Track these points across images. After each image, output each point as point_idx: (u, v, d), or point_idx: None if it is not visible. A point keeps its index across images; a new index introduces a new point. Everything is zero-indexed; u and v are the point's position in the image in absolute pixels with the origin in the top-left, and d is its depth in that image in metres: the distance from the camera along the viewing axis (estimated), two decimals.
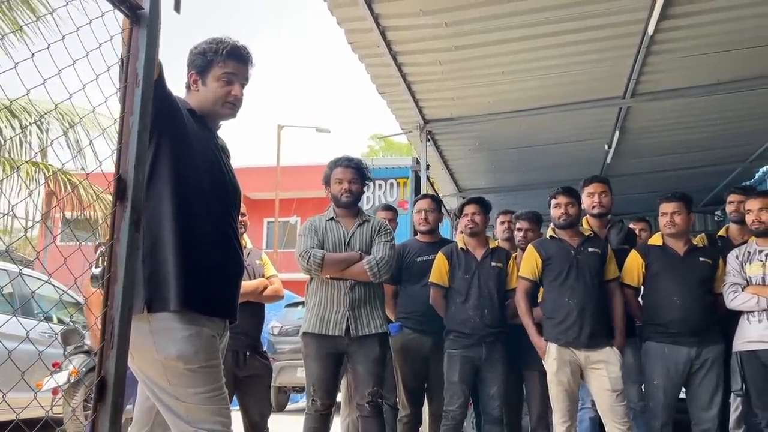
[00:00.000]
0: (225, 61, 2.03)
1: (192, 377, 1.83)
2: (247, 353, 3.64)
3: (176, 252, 1.86)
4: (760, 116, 5.83)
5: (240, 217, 3.82)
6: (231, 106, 2.08)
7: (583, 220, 4.03)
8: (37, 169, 7.49)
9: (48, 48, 1.38)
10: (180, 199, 1.90)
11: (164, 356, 1.82)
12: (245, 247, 3.86)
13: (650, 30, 4.06)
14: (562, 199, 3.69)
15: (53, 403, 5.33)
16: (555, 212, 3.73)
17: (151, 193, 1.87)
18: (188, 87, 2.10)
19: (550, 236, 3.79)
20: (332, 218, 3.59)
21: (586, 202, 3.98)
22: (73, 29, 1.52)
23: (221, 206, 2.03)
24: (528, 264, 3.74)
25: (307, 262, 3.39)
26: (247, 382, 3.64)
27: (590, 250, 3.66)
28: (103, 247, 2.22)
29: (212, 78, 2.04)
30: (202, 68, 2.04)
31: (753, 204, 3.60)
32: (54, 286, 5.64)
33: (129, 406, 2.88)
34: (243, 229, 3.83)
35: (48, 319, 6.49)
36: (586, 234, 3.76)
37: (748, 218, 3.62)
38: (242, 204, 3.80)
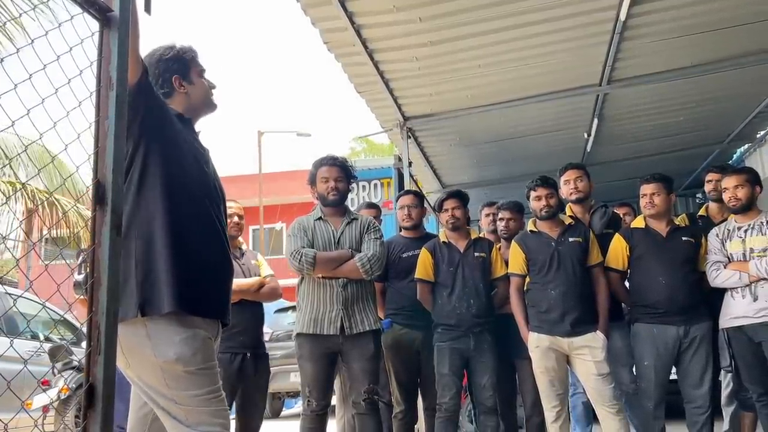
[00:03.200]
0: (197, 59, 2.20)
1: (190, 379, 1.84)
2: (248, 354, 3.61)
3: (169, 255, 1.86)
4: (735, 97, 5.92)
5: (239, 221, 3.84)
6: (214, 96, 2.25)
7: (567, 208, 4.06)
8: (14, 189, 7.40)
9: (17, 52, 1.36)
10: (172, 203, 1.91)
11: (163, 359, 1.81)
12: (240, 249, 3.87)
13: (622, 16, 4.11)
14: (541, 191, 3.70)
15: (44, 421, 5.26)
16: (536, 204, 3.72)
17: (142, 197, 1.89)
18: (169, 93, 2.13)
19: (531, 230, 3.80)
20: (320, 218, 3.59)
21: (563, 190, 4.01)
22: (42, 36, 1.50)
23: (212, 208, 2.04)
24: (515, 261, 3.77)
25: (299, 261, 3.38)
26: (248, 383, 3.62)
27: (571, 239, 3.69)
28: (85, 254, 2.20)
29: (195, 75, 2.18)
30: (184, 69, 2.15)
31: (729, 182, 3.63)
32: (34, 301, 5.57)
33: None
34: (239, 232, 3.83)
35: (34, 337, 6.41)
36: (567, 223, 3.77)
37: (725, 196, 3.65)
38: (240, 208, 3.83)
